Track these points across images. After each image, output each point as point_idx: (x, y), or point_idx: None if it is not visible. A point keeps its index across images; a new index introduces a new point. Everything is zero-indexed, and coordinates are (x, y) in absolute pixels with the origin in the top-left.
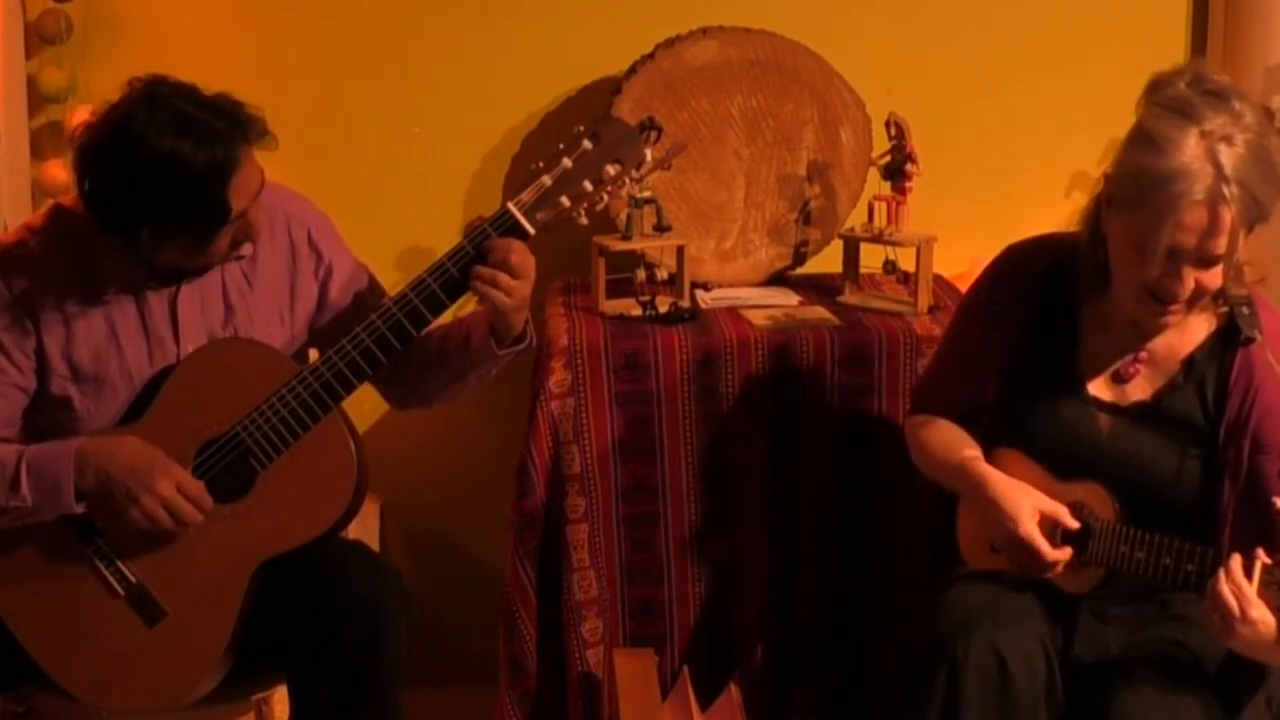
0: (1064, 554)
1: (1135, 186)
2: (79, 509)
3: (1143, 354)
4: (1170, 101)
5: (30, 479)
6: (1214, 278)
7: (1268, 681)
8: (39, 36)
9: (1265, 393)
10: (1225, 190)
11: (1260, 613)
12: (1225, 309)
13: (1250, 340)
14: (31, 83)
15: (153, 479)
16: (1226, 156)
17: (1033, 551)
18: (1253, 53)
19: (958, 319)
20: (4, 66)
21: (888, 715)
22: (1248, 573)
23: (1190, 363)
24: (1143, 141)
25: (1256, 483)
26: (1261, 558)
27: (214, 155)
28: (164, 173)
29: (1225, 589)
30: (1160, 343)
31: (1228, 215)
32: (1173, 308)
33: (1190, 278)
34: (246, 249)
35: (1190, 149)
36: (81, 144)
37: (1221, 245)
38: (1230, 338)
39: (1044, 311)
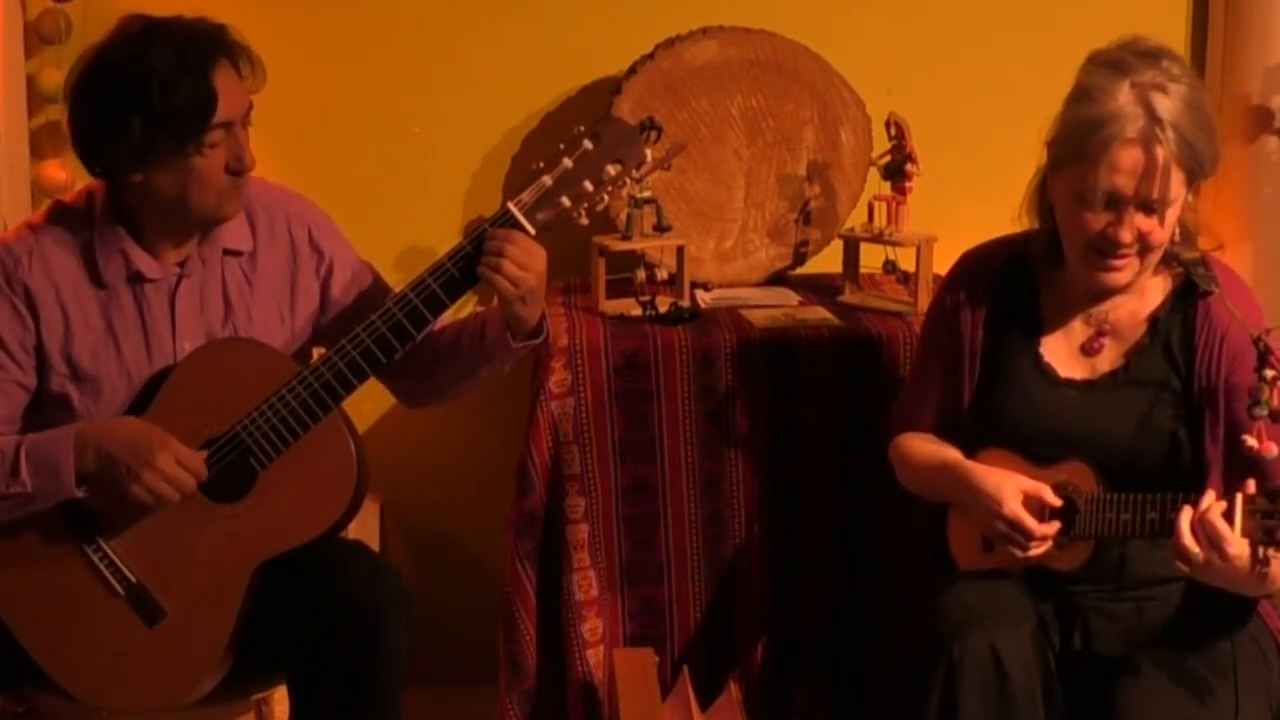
0: (1051, 528)
1: (1071, 137)
2: (79, 492)
3: (1105, 327)
4: (1103, 60)
5: (30, 464)
6: (1157, 228)
7: (1269, 683)
8: (38, 36)
9: (1231, 340)
10: (1158, 131)
11: (1236, 549)
12: (1180, 269)
13: (1209, 293)
14: (31, 83)
15: (152, 454)
16: (1159, 101)
17: (1021, 529)
18: (1253, 53)
19: (926, 329)
20: (3, 66)
21: (888, 715)
22: (1228, 515)
23: (1154, 323)
24: (1077, 96)
25: (1233, 429)
26: (1247, 489)
27: (197, 50)
28: (149, 66)
29: (1197, 528)
30: (1122, 311)
31: (1161, 155)
32: (1118, 262)
33: (1132, 225)
34: (245, 245)
35: (1123, 95)
36: (71, 80)
37: (1157, 188)
38: (1189, 294)
39: (1005, 304)
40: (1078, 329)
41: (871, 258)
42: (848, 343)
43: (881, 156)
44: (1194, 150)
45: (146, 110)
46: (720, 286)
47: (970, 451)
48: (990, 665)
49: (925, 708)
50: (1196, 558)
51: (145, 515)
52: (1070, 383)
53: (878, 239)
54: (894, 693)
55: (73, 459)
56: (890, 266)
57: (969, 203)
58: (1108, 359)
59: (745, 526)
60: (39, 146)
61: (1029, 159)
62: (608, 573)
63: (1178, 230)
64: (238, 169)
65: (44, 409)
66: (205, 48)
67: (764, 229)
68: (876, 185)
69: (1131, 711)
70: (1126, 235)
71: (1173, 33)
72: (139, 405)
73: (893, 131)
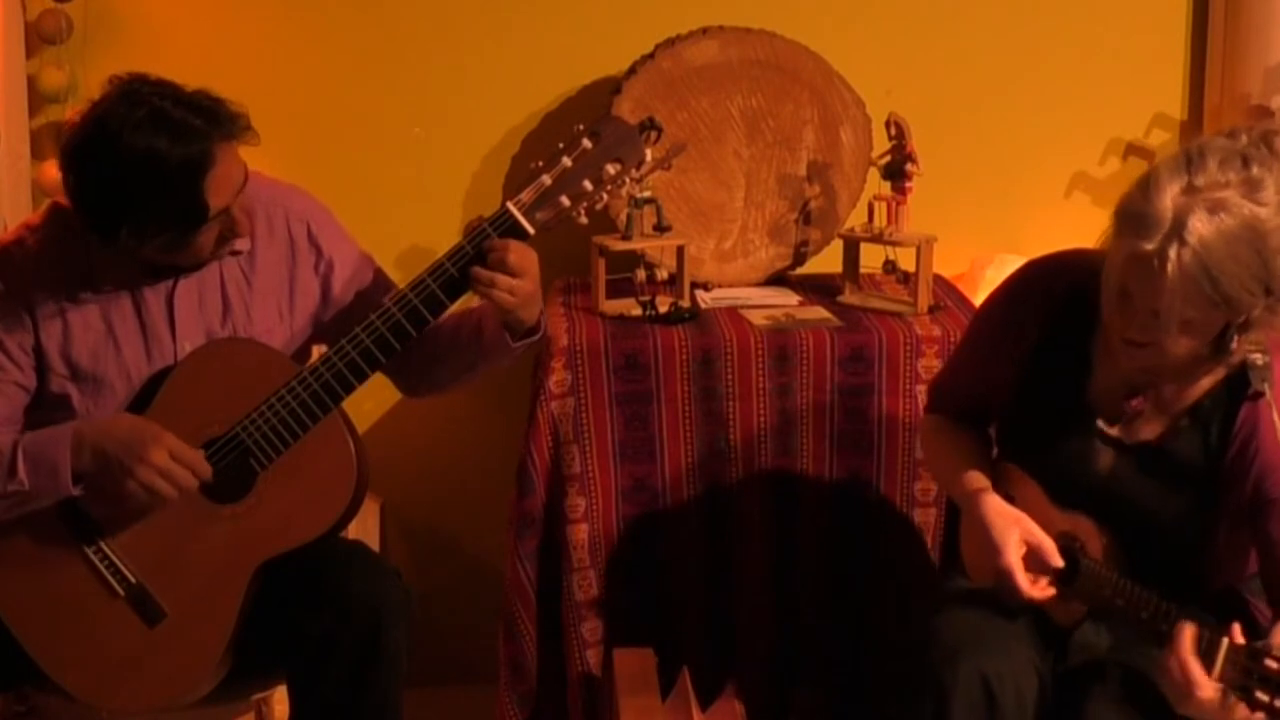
0: (1042, 593)
1: (1116, 215)
2: (77, 491)
3: (1151, 393)
4: (1191, 148)
5: (27, 463)
6: (1172, 340)
7: None
8: (39, 36)
9: (1265, 450)
10: (1171, 250)
11: (1207, 693)
12: (1240, 356)
13: (1259, 395)
14: (31, 83)
15: (146, 449)
16: (1199, 220)
17: (1011, 585)
18: (1253, 53)
19: (973, 328)
20: (4, 66)
21: (887, 717)
22: (1206, 649)
23: (1197, 409)
24: (1140, 179)
25: (1260, 539)
26: (1235, 637)
27: (189, 152)
28: (139, 171)
29: (1172, 664)
30: (1169, 385)
31: (1168, 276)
32: (1136, 352)
33: (1141, 327)
34: (243, 244)
35: (1166, 199)
36: (64, 143)
37: (1161, 304)
38: (1239, 388)
39: (1058, 335)
40: (1123, 385)
41: (871, 258)
42: (848, 343)
43: (881, 156)
44: (1218, 286)
45: (136, 222)
46: (720, 286)
47: (1000, 458)
48: (980, 693)
49: None
50: (1179, 687)
51: (145, 516)
52: (1104, 437)
53: (878, 239)
54: (893, 694)
55: (69, 457)
56: (890, 266)
57: (969, 203)
58: (1147, 427)
59: (745, 526)
60: (39, 146)
61: (1029, 159)
62: (608, 572)
63: (1234, 339)
64: (229, 237)
65: (43, 409)
66: (202, 143)
67: (764, 229)
68: (876, 185)
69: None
70: (1132, 333)
71: (1173, 33)
72: (139, 406)
73: (893, 131)
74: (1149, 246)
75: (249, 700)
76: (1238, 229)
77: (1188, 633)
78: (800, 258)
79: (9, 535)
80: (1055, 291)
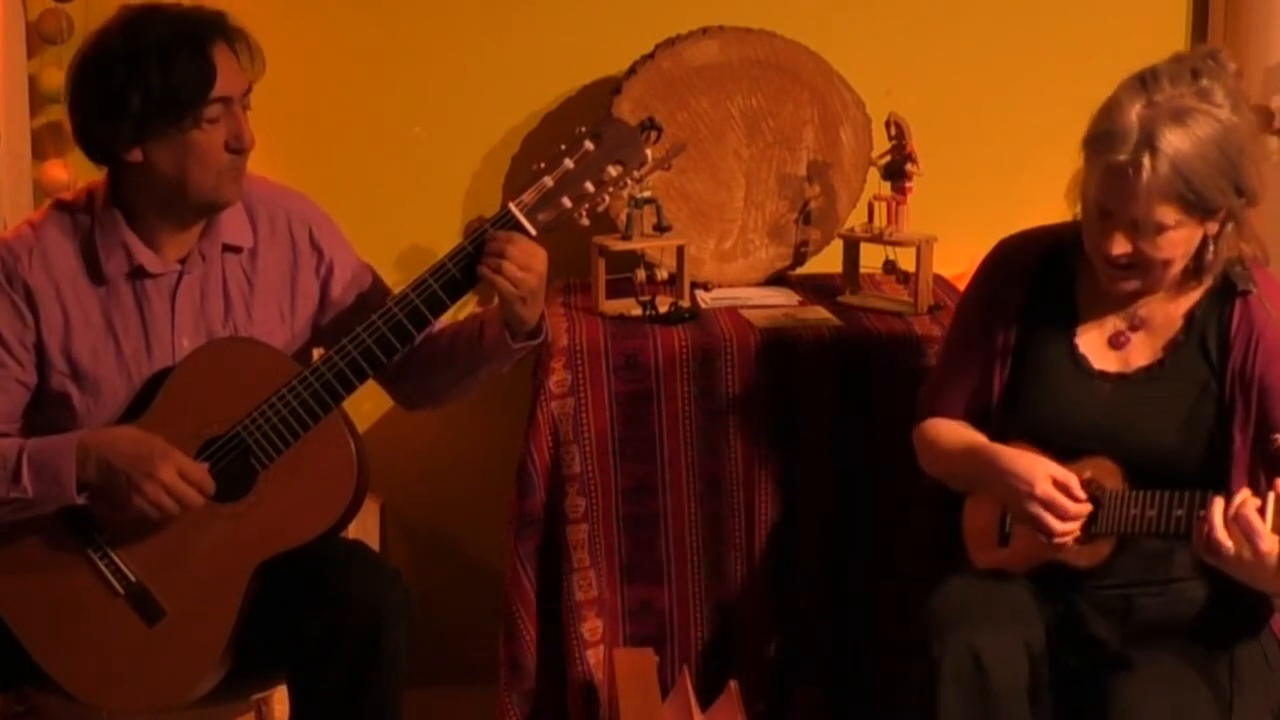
0: (1085, 507)
1: (1085, 143)
2: (80, 500)
3: (1138, 321)
4: (1144, 72)
5: (31, 471)
6: (1154, 247)
7: (1269, 682)
8: (40, 36)
9: (1267, 340)
10: (1146, 159)
11: (1268, 545)
12: (1219, 269)
13: (1246, 292)
14: (32, 83)
15: (154, 465)
16: (1165, 130)
17: (1055, 508)
18: (1253, 53)
19: (957, 317)
20: (5, 66)
21: (887, 715)
22: (1260, 512)
23: (1190, 319)
24: (1104, 104)
25: (1263, 427)
26: (1279, 488)
27: (193, 22)
28: (145, 33)
29: (1231, 523)
30: (1156, 307)
31: (1144, 182)
32: (1117, 273)
33: (1121, 241)
34: (245, 240)
35: (1131, 114)
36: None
37: (1140, 211)
38: (1226, 293)
39: (1041, 297)
40: (1112, 320)
41: (871, 258)
42: (848, 343)
43: (881, 156)
44: (1191, 185)
45: (145, 85)
46: (720, 286)
47: (995, 441)
48: (969, 665)
49: (907, 706)
50: (1228, 550)
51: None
52: (1104, 375)
53: (878, 239)
54: (893, 693)
55: (74, 468)
56: (890, 266)
57: (969, 203)
58: (1142, 352)
59: (745, 526)
60: (40, 146)
61: (1029, 159)
62: (608, 573)
63: (1210, 250)
64: (237, 147)
65: (44, 407)
66: (204, 27)
67: (764, 229)
68: (876, 185)
69: (1129, 705)
70: (1114, 249)
71: (1173, 33)
72: (139, 405)
73: (893, 131)
74: (1122, 157)
75: (249, 700)
76: (1202, 131)
77: (1246, 491)
78: (800, 258)
79: (9, 534)
80: (1031, 258)
